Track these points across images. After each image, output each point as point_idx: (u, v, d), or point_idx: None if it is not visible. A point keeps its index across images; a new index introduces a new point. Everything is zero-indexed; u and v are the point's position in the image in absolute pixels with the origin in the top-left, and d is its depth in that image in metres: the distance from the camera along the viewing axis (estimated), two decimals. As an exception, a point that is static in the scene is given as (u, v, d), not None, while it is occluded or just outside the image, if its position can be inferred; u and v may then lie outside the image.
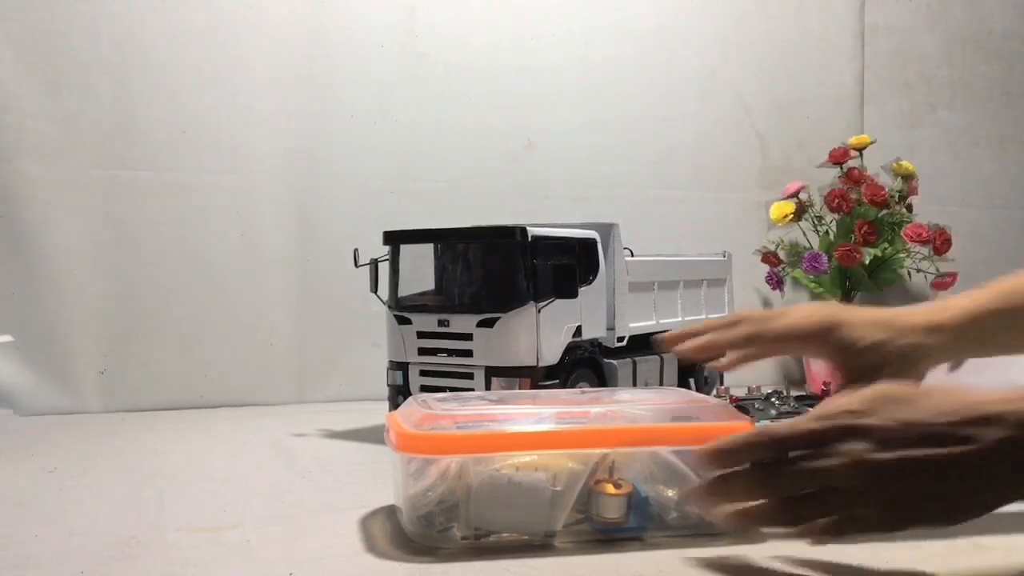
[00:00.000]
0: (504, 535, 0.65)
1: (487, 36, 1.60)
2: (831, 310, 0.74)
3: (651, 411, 0.72)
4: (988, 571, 0.59)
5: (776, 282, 1.69)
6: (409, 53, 1.56)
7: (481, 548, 0.64)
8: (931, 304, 0.74)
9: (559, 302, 1.05)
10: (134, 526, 0.73)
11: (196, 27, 1.44)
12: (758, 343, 0.75)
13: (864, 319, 0.72)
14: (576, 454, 0.64)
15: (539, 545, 0.64)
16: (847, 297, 1.67)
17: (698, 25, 1.74)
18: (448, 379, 1.09)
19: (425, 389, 1.11)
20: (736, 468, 0.57)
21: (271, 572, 0.61)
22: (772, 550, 0.63)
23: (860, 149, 1.66)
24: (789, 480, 0.55)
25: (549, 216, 1.29)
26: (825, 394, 1.17)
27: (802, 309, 0.75)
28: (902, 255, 1.64)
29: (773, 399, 1.13)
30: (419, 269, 1.14)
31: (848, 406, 0.54)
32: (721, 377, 1.36)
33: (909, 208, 1.66)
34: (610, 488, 0.65)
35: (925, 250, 1.62)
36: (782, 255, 1.67)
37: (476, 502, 0.63)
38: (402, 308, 1.12)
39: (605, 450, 0.65)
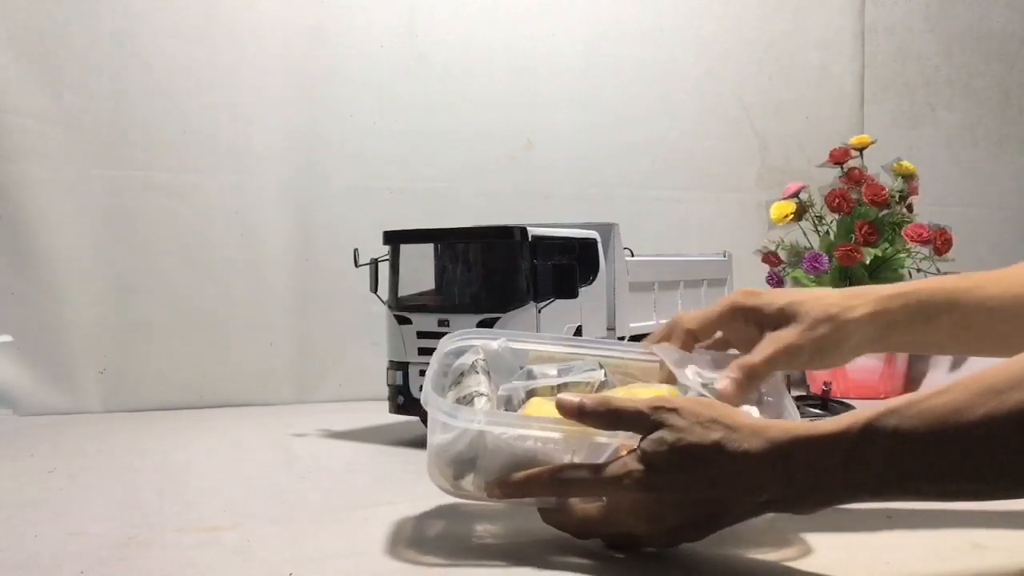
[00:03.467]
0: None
1: (487, 36, 1.60)
2: (740, 291, 0.76)
3: None
4: (988, 571, 0.59)
5: (777, 282, 1.69)
6: (409, 53, 1.56)
7: (487, 550, 0.64)
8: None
9: (559, 302, 1.05)
10: (134, 526, 0.73)
11: (196, 27, 1.44)
12: (685, 339, 0.77)
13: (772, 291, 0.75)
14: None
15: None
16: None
17: (698, 25, 1.74)
18: (448, 379, 1.09)
19: (425, 389, 1.11)
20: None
21: (271, 572, 0.61)
22: (782, 555, 0.63)
23: (860, 149, 1.66)
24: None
25: (549, 216, 1.29)
26: (826, 394, 1.17)
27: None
28: (903, 255, 1.64)
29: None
30: (419, 269, 1.14)
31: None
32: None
33: (909, 208, 1.66)
34: None
35: (926, 250, 1.62)
36: (782, 255, 1.67)
37: (490, 463, 0.62)
38: (402, 308, 1.12)
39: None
